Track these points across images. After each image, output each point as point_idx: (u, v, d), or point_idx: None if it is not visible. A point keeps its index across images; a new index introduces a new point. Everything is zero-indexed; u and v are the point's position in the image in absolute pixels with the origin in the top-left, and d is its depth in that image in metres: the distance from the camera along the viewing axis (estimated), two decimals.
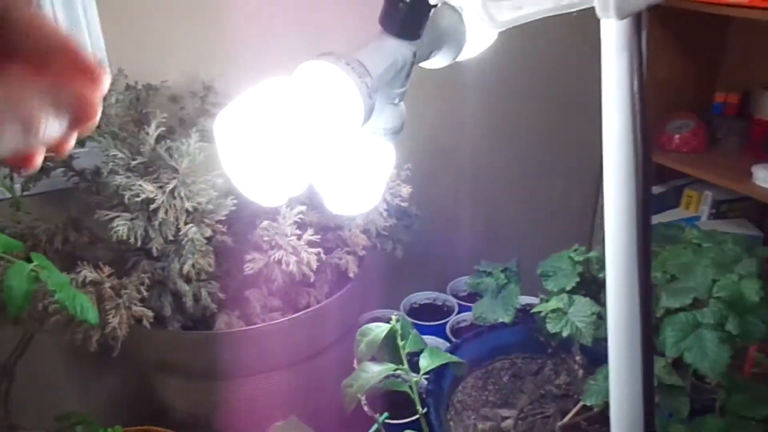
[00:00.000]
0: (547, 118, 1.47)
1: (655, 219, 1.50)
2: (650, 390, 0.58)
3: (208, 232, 0.79)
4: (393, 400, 1.05)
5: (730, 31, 1.58)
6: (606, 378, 0.72)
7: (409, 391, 0.66)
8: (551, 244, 0.97)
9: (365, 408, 1.11)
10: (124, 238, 0.74)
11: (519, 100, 1.41)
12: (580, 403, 0.83)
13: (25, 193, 0.88)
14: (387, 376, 0.68)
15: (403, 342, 0.68)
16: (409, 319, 1.33)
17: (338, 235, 0.96)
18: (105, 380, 1.13)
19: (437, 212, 1.33)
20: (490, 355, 1.15)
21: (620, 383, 0.59)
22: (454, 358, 0.67)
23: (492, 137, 1.41)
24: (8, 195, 0.87)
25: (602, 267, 0.79)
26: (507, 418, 1.03)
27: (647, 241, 0.53)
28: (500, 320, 0.83)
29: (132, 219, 0.75)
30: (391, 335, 0.68)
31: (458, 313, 1.36)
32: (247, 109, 0.38)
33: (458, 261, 1.35)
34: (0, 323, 0.83)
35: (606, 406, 0.70)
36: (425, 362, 0.67)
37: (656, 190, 1.57)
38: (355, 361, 0.70)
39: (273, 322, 0.88)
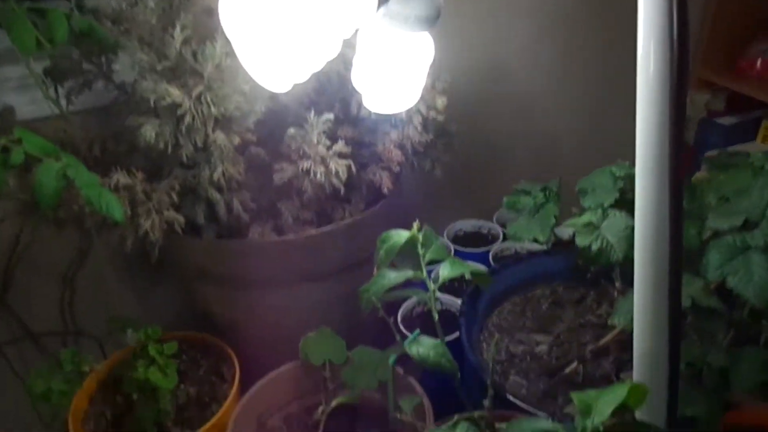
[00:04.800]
0: (604, 37, 1.35)
1: None
2: (677, 311, 0.54)
3: (237, 140, 0.79)
4: (428, 322, 1.05)
5: None
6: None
7: (427, 300, 0.64)
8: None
9: (399, 324, 1.12)
10: (152, 143, 0.75)
11: (572, 18, 1.31)
12: (617, 329, 0.79)
13: (70, 107, 0.91)
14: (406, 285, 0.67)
15: (424, 250, 0.66)
16: (451, 245, 1.31)
17: (373, 152, 0.94)
18: (155, 289, 1.19)
19: (480, 134, 1.28)
20: (531, 282, 1.13)
21: (645, 304, 0.55)
22: (475, 268, 0.65)
23: (544, 55, 1.32)
24: (56, 111, 0.89)
25: None
26: (541, 343, 1.00)
27: (679, 156, 0.48)
28: (534, 240, 0.79)
29: (160, 124, 0.75)
30: (411, 243, 0.67)
31: (502, 242, 1.32)
32: None
33: (505, 188, 1.30)
34: (58, 236, 0.88)
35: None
36: (445, 271, 0.65)
37: (729, 120, 1.44)
38: (374, 268, 0.69)
39: (305, 234, 0.88)
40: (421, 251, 0.66)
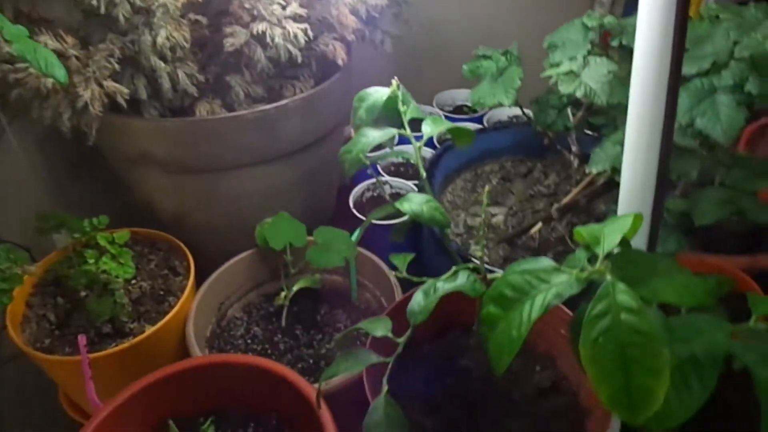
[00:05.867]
0: None
1: None
2: (667, 150, 0.55)
3: None
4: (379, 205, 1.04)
5: None
6: (615, 143, 0.70)
7: (413, 157, 0.62)
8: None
9: (353, 210, 1.10)
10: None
11: None
12: (585, 180, 0.82)
13: None
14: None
15: (405, 108, 0.63)
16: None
17: (323, 19, 0.87)
18: (82, 182, 1.07)
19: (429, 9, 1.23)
20: (479, 159, 1.14)
21: (638, 143, 0.57)
22: (459, 128, 0.64)
23: None
24: None
25: (619, 34, 0.73)
26: (496, 215, 1.03)
27: None
28: (500, 103, 0.78)
29: None
30: (391, 101, 0.63)
31: None
32: None
33: (450, 70, 1.28)
34: None
35: (613, 172, 0.69)
36: (428, 129, 0.63)
37: None
38: (351, 130, 0.65)
39: (259, 109, 0.82)
40: (401, 109, 0.63)
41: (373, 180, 1.17)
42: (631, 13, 0.80)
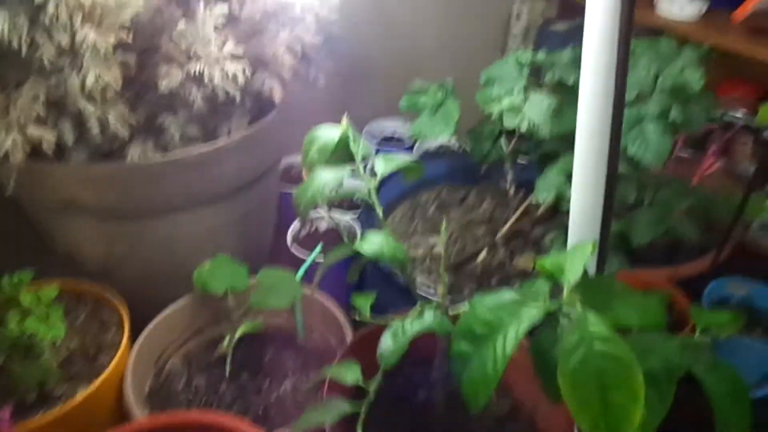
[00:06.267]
0: None
1: None
2: (613, 177, 0.58)
3: (112, 39, 0.66)
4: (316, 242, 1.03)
5: None
6: (558, 172, 0.73)
7: (367, 196, 0.62)
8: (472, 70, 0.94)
9: (292, 249, 1.08)
10: (5, 39, 0.60)
11: None
12: (522, 206, 0.84)
13: None
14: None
15: (356, 145, 0.63)
16: None
17: (259, 57, 0.86)
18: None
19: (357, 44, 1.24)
20: (416, 187, 1.15)
21: (586, 173, 0.59)
22: (409, 163, 0.64)
23: None
24: None
25: (551, 68, 0.77)
26: (436, 244, 1.04)
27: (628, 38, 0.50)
28: (441, 135, 0.80)
29: (11, 15, 0.60)
30: (343, 141, 0.63)
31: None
32: None
33: (379, 99, 1.29)
34: None
35: (558, 199, 0.72)
36: (381, 166, 0.63)
37: (563, 27, 1.58)
38: (303, 172, 0.64)
39: (196, 152, 0.79)
40: (354, 148, 0.63)
41: (311, 216, 1.15)
42: (542, 47, 0.86)
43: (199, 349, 0.94)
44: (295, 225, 1.13)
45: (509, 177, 0.92)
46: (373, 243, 0.59)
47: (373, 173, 0.63)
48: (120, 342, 0.82)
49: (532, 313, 0.48)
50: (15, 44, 0.61)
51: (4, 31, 0.59)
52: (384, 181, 1.08)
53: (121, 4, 0.65)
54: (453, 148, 1.19)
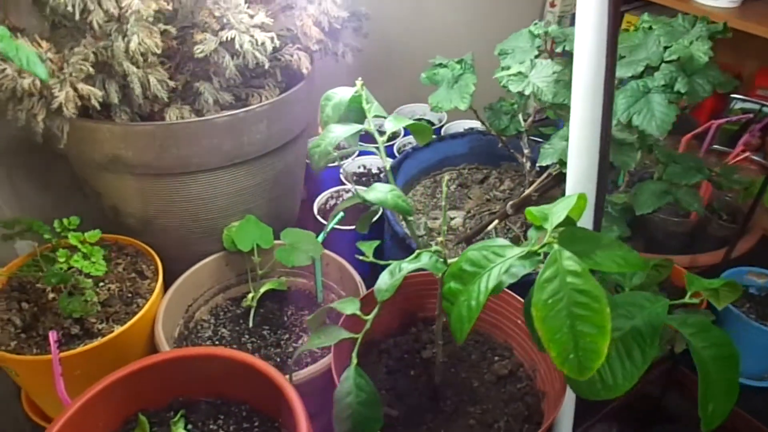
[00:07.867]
0: None
1: None
2: (606, 140, 0.61)
3: (154, 5, 0.73)
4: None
5: None
6: (561, 138, 0.76)
7: (375, 151, 0.66)
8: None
9: (317, 216, 1.14)
10: (59, 4, 0.67)
11: None
12: (538, 181, 0.87)
13: None
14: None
15: (369, 105, 0.68)
16: None
17: (288, 30, 0.92)
18: (48, 188, 1.07)
19: (388, 25, 1.28)
20: (438, 165, 1.19)
21: (581, 135, 0.62)
22: (419, 124, 0.68)
23: None
24: None
25: (562, 41, 0.80)
26: (455, 218, 1.08)
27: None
28: (456, 107, 0.84)
29: None
30: (356, 100, 0.68)
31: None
32: None
33: (409, 85, 1.33)
34: None
35: (561, 165, 0.75)
36: (390, 125, 0.67)
37: None
38: (319, 127, 0.69)
39: (228, 113, 0.85)
40: (366, 106, 0.68)
41: (336, 188, 1.21)
42: None
43: (225, 303, 1.01)
44: (322, 196, 1.18)
45: (526, 152, 0.95)
46: (378, 191, 0.63)
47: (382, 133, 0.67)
48: (154, 290, 0.89)
49: (515, 252, 0.52)
50: (69, 7, 0.69)
51: None
52: (405, 157, 1.14)
53: None
54: (479, 130, 1.22)
